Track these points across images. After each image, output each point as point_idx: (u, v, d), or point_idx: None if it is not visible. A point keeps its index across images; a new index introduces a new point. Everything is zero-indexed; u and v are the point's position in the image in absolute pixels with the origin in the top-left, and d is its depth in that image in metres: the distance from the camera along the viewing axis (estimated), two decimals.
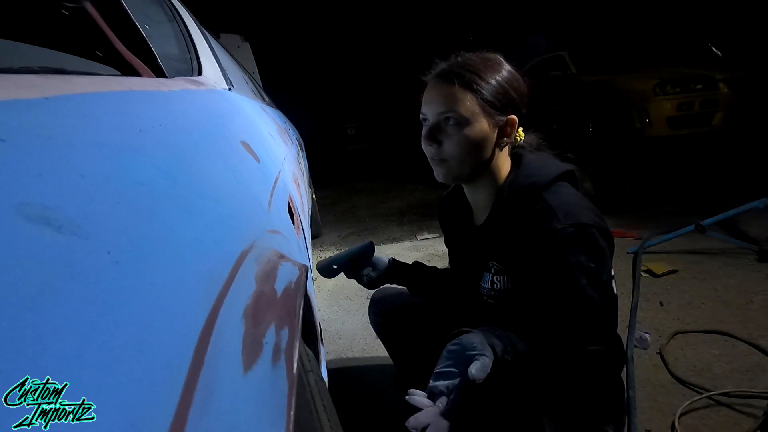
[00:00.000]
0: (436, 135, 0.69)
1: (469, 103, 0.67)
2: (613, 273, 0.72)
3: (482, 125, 0.67)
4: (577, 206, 0.66)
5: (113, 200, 0.22)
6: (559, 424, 0.71)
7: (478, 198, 0.77)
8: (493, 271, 0.74)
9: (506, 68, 0.71)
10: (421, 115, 0.72)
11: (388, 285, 1.02)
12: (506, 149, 0.73)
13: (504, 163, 0.73)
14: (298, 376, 0.33)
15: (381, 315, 1.07)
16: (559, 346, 0.67)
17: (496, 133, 0.69)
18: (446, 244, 0.94)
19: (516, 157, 0.74)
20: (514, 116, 0.69)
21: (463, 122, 0.67)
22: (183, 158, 0.33)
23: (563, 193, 0.68)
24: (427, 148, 0.71)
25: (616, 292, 0.74)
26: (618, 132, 3.78)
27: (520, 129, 0.74)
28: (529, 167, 0.71)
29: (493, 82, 0.68)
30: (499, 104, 0.68)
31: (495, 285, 0.74)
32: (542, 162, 0.72)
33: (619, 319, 1.34)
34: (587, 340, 0.66)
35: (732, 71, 3.34)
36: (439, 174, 0.73)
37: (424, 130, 0.70)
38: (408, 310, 1.03)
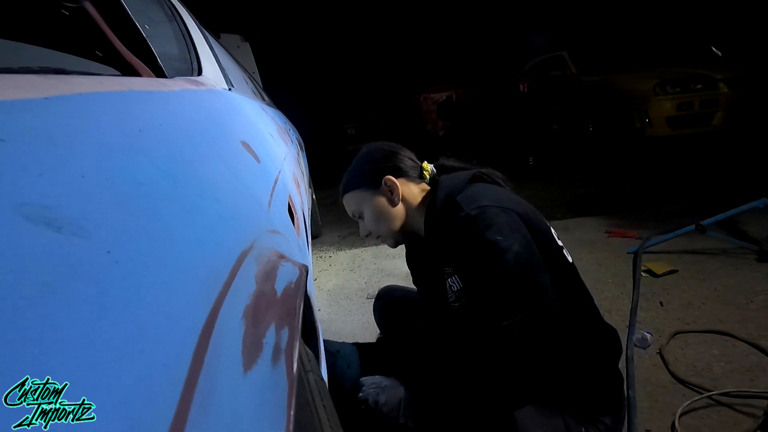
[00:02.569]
0: (363, 228, 0.92)
1: (354, 200, 0.90)
2: (561, 243, 0.81)
3: (372, 203, 0.87)
4: (480, 194, 0.77)
5: (113, 200, 0.22)
6: (554, 412, 0.72)
7: (421, 231, 0.88)
8: (447, 276, 0.82)
9: (366, 153, 0.92)
10: None
11: (393, 284, 1.18)
12: (412, 188, 0.89)
13: (417, 197, 0.88)
14: (298, 376, 0.33)
15: (385, 310, 1.17)
16: (480, 330, 0.72)
17: (386, 197, 0.87)
18: (415, 284, 1.05)
19: (434, 182, 0.89)
20: (388, 176, 0.86)
21: (362, 213, 0.90)
22: (183, 158, 0.33)
23: (471, 190, 0.79)
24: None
25: (570, 260, 0.81)
26: (618, 132, 3.78)
27: (425, 163, 0.92)
28: (443, 185, 0.83)
29: (357, 173, 0.90)
30: (369, 182, 0.88)
31: (452, 287, 0.81)
32: (453, 177, 0.85)
33: (618, 318, 1.34)
34: (501, 314, 0.68)
35: (732, 71, 3.34)
36: (389, 245, 0.93)
37: None
38: (408, 307, 1.11)
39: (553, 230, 0.82)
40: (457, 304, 0.81)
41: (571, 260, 0.81)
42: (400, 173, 0.88)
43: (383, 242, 0.92)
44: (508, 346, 0.68)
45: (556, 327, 0.69)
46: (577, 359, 0.72)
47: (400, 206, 0.87)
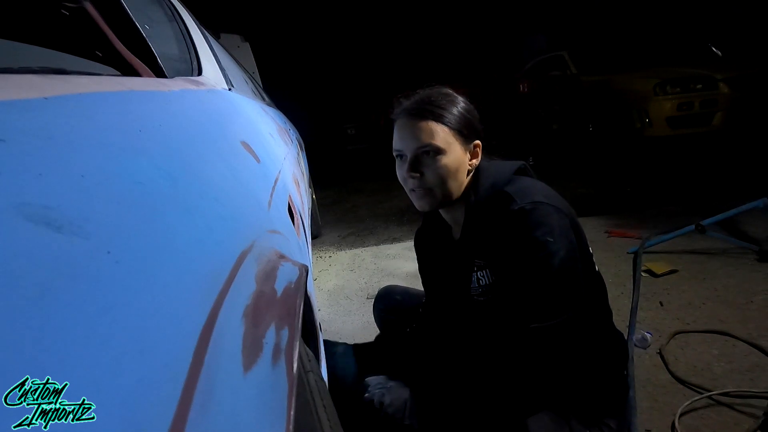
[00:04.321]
0: (417, 167, 0.74)
1: (443, 134, 0.73)
2: (591, 251, 0.78)
3: (457, 152, 0.74)
4: (533, 189, 0.72)
5: (113, 200, 0.22)
6: (561, 416, 0.72)
7: (455, 215, 0.82)
8: (476, 269, 0.79)
9: (462, 100, 0.78)
10: (395, 152, 0.78)
11: (393, 284, 1.13)
12: None
13: (468, 179, 0.80)
14: (298, 376, 0.33)
15: (385, 310, 1.16)
16: (503, 328, 0.70)
17: (468, 158, 0.77)
18: (421, 272, 0.99)
19: (475, 169, 0.80)
20: (479, 141, 0.78)
21: (441, 152, 0.73)
22: (183, 158, 0.33)
23: (521, 182, 0.75)
24: (409, 181, 0.76)
25: (597, 269, 0.80)
26: (618, 132, 3.78)
27: None
28: (488, 172, 0.78)
29: (456, 113, 0.75)
30: (466, 132, 0.75)
31: (480, 281, 0.78)
32: (497, 165, 0.79)
33: (619, 318, 1.34)
34: (532, 316, 0.67)
35: (732, 71, 3.34)
36: (423, 204, 0.77)
37: (404, 165, 0.75)
38: (408, 308, 1.09)
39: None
40: (482, 299, 0.79)
41: (597, 269, 0.80)
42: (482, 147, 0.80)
43: (422, 197, 0.76)
44: (530, 349, 0.67)
45: (577, 338, 0.68)
46: (586, 364, 0.72)
47: (468, 176, 0.78)
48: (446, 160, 0.73)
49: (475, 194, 0.76)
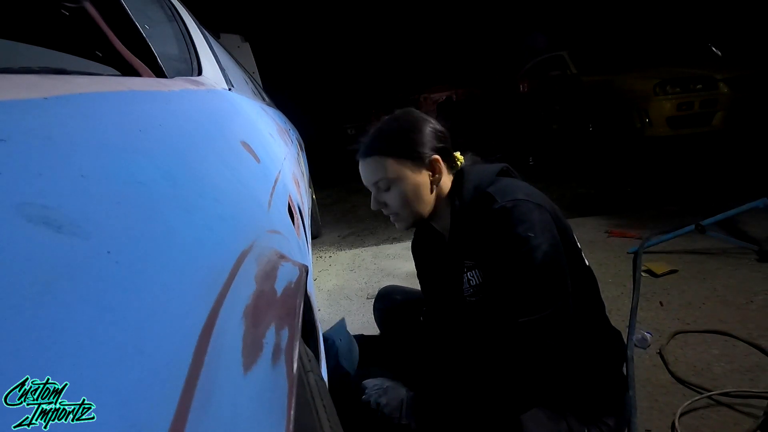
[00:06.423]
0: (379, 200, 0.82)
1: (390, 167, 0.78)
2: (579, 246, 0.80)
3: (410, 178, 0.78)
4: (514, 187, 0.75)
5: (113, 200, 0.22)
6: (557, 413, 0.73)
7: (443, 222, 0.85)
8: (466, 270, 0.81)
9: (413, 120, 0.81)
10: (366, 187, 0.85)
11: (393, 285, 1.15)
12: (446, 175, 0.82)
13: (447, 186, 0.83)
14: (298, 376, 0.33)
15: (385, 310, 1.17)
16: (494, 325, 0.71)
17: (427, 175, 0.79)
18: (420, 277, 1.02)
19: (458, 173, 0.84)
20: (435, 155, 0.79)
21: (393, 182, 0.78)
22: (183, 158, 0.33)
23: (502, 183, 0.77)
24: (383, 210, 0.83)
25: (587, 263, 0.81)
26: (618, 132, 3.78)
27: (458, 153, 0.86)
28: (471, 176, 0.81)
29: (403, 139, 0.78)
30: (416, 153, 0.78)
31: (471, 282, 0.80)
32: (480, 169, 0.83)
33: (618, 318, 1.34)
34: (519, 311, 0.68)
35: (732, 71, 3.34)
36: (400, 227, 0.84)
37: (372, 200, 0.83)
38: (409, 308, 1.10)
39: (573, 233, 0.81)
40: (473, 299, 0.80)
41: (587, 263, 0.81)
42: (446, 158, 0.81)
43: (395, 221, 0.83)
44: (520, 343, 0.68)
45: (568, 330, 0.69)
46: (582, 361, 0.72)
47: (436, 188, 0.81)
48: (401, 187, 0.78)
49: (459, 198, 0.79)
